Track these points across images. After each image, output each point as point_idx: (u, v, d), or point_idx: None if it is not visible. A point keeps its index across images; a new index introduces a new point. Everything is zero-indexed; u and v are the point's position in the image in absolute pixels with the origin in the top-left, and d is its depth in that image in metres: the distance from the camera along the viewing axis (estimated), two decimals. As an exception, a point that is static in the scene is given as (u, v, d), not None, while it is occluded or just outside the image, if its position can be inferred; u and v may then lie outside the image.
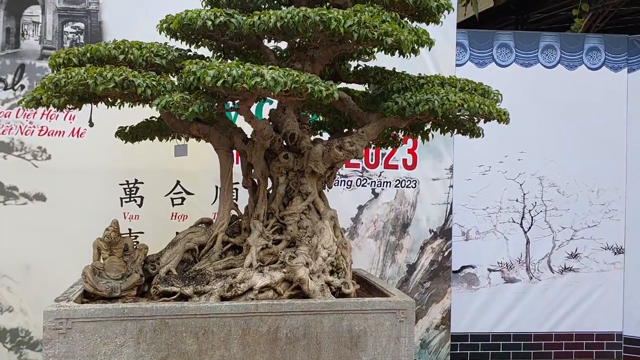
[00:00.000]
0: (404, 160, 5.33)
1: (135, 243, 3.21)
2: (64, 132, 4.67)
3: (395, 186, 5.32)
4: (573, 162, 5.54)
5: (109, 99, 2.98)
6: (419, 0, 2.64)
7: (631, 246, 5.52)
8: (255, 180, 3.22)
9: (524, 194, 5.59)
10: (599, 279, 5.55)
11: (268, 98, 4.93)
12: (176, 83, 2.67)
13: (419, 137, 3.56)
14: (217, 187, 4.94)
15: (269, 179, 3.21)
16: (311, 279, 2.86)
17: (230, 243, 3.16)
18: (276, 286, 2.79)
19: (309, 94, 2.29)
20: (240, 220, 3.23)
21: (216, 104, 2.67)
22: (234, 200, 3.26)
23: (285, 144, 3.12)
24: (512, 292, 5.58)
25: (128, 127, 3.40)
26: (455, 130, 3.35)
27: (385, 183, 5.30)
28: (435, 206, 5.43)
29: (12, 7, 4.63)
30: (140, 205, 4.78)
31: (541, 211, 5.59)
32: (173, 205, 4.74)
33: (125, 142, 3.44)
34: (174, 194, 4.74)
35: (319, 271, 2.92)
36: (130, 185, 4.78)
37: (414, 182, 5.34)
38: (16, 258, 4.48)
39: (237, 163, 3.36)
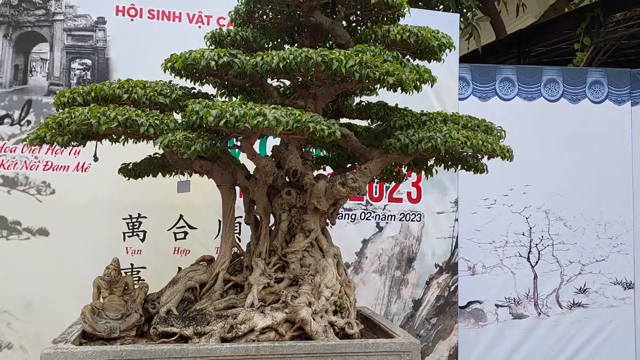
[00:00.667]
0: (409, 194, 5.30)
1: (136, 281, 3.16)
2: (68, 166, 4.67)
3: (400, 220, 5.27)
4: (579, 196, 5.48)
5: (113, 136, 2.99)
6: (421, 40, 2.65)
7: (642, 281, 5.41)
8: (258, 216, 3.18)
9: (530, 228, 5.52)
10: (610, 314, 5.42)
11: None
12: (179, 121, 2.67)
13: (423, 172, 3.53)
14: (219, 222, 4.89)
15: (271, 215, 3.18)
16: (314, 319, 2.80)
17: (231, 281, 3.11)
18: (278, 327, 2.73)
19: (311, 132, 2.28)
20: (242, 257, 3.19)
21: (219, 142, 2.66)
22: (237, 237, 3.22)
23: (287, 180, 3.10)
24: (521, 329, 5.46)
25: (131, 164, 3.39)
26: (459, 166, 3.33)
27: (390, 216, 5.26)
28: (441, 240, 5.37)
29: (21, 44, 4.70)
30: (142, 240, 4.75)
31: (548, 245, 5.52)
32: (176, 239, 4.79)
33: (128, 179, 3.43)
34: (177, 228, 4.76)
35: (322, 311, 2.86)
36: (134, 220, 4.76)
37: (419, 215, 5.30)
38: (17, 294, 4.43)
39: (240, 197, 3.34)
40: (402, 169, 3.58)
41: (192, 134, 2.52)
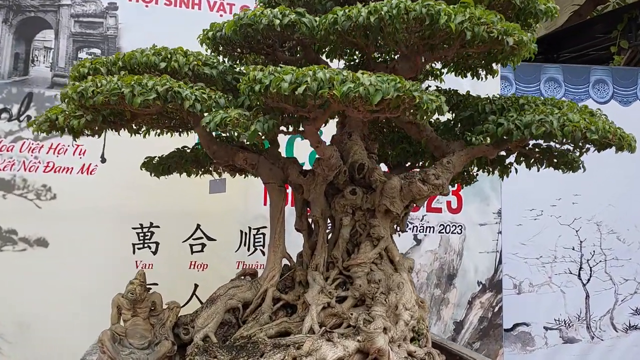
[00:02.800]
0: (448, 203, 4.75)
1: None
2: (72, 168, 4.07)
3: (440, 232, 4.72)
4: (633, 206, 4.97)
5: (140, 121, 2.40)
6: (528, 1, 2.11)
7: (703, 301, 4.88)
8: (312, 221, 2.59)
9: (581, 242, 4.99)
10: (670, 338, 4.87)
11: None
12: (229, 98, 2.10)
13: (498, 172, 2.98)
14: (242, 232, 4.34)
15: (328, 220, 2.59)
16: (391, 349, 2.20)
17: (281, 300, 2.50)
18: (350, 359, 2.12)
19: (415, 105, 1.71)
20: (293, 271, 2.59)
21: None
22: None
23: (350, 176, 2.52)
24: (572, 355, 4.91)
25: (157, 158, 2.79)
26: (545, 163, 2.78)
27: (429, 228, 4.70)
28: (484, 255, 4.84)
29: (22, 31, 4.11)
30: (155, 253, 4.16)
31: (600, 261, 4.98)
32: (192, 252, 4.27)
33: (153, 175, 2.83)
34: (193, 239, 4.21)
35: (400, 339, 2.27)
36: (145, 230, 4.17)
37: (460, 227, 4.76)
38: (11, 313, 3.77)
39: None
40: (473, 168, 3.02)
41: (248, 112, 1.94)
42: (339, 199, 2.49)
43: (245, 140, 1.91)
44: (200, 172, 2.88)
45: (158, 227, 4.17)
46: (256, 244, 4.42)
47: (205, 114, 1.97)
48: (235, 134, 1.88)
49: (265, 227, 4.40)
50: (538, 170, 2.90)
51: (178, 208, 4.20)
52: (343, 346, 2.13)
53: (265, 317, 2.41)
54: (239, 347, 2.16)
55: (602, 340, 4.87)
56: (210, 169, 2.84)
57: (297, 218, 2.62)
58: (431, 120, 2.71)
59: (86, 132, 2.44)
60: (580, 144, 2.29)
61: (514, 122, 2.18)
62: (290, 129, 2.25)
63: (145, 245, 4.18)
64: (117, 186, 3.95)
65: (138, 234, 4.15)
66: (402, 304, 2.31)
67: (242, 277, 2.58)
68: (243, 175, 3.06)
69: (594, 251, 4.96)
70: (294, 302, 2.51)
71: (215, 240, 4.25)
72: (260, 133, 1.88)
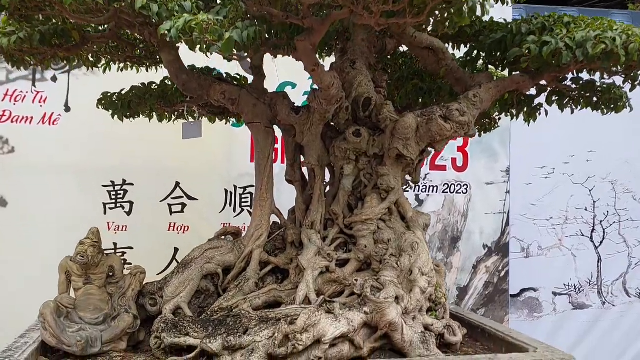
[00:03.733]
0: (453, 160, 4.29)
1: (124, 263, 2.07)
2: (32, 118, 3.56)
3: (444, 192, 4.27)
4: (650, 164, 4.54)
5: (96, 50, 1.89)
6: None
7: None
8: (307, 170, 2.12)
9: (594, 202, 4.57)
10: (685, 304, 4.53)
11: (292, 81, 3.90)
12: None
13: (524, 116, 2.51)
14: (226, 191, 3.87)
15: (326, 169, 2.12)
16: (405, 322, 1.77)
17: (270, 264, 2.05)
18: (355, 335, 1.69)
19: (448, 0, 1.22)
20: (284, 230, 2.13)
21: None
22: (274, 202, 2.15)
23: (353, 115, 2.04)
24: (582, 321, 4.53)
25: (115, 95, 2.28)
26: (583, 102, 2.31)
27: (432, 188, 4.24)
28: (490, 216, 4.42)
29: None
30: (129, 213, 3.70)
31: (614, 222, 4.57)
32: (171, 213, 3.79)
33: (112, 115, 2.33)
34: (172, 199, 3.81)
35: (416, 310, 1.83)
36: (117, 188, 3.69)
37: (465, 186, 4.31)
38: (-38, 282, 3.32)
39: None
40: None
41: (224, 18, 1.44)
42: (339, 142, 2.01)
43: (220, 53, 1.40)
44: (171, 115, 2.38)
45: (132, 184, 3.71)
46: (243, 205, 3.96)
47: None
48: (205, 45, 1.38)
49: (252, 185, 3.93)
50: (572, 112, 2.44)
51: (154, 164, 3.73)
52: (347, 319, 1.69)
53: (250, 284, 1.96)
54: (218, 322, 1.71)
55: (613, 305, 4.52)
56: (183, 109, 2.34)
57: (288, 166, 2.15)
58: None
59: (29, 60, 1.93)
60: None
61: (562, 39, 1.70)
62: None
63: (118, 204, 3.72)
64: (83, 138, 3.46)
65: (109, 192, 3.69)
66: (418, 268, 1.86)
67: (223, 237, 2.12)
68: (224, 121, 2.57)
69: (607, 212, 4.54)
70: (285, 267, 2.07)
71: (196, 199, 3.80)
72: (238, 43, 1.38)
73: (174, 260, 3.77)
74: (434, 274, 1.92)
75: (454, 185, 4.33)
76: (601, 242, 4.58)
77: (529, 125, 2.61)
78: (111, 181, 3.63)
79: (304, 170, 2.14)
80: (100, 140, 3.51)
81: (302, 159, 2.10)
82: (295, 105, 2.04)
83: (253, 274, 1.98)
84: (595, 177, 4.60)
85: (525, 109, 2.50)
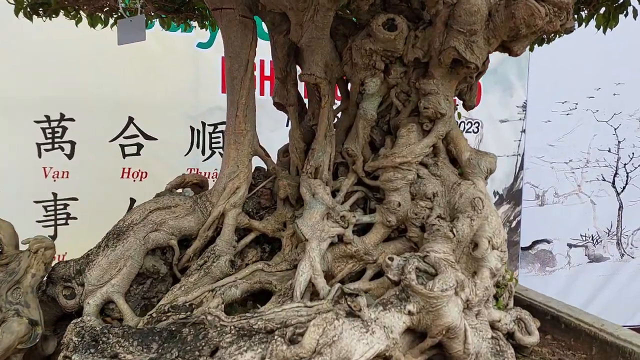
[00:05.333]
0: (463, 93, 3.57)
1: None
2: None
3: (451, 130, 3.57)
4: (684, 98, 3.92)
5: None
6: None
7: None
8: (306, 88, 1.36)
9: (619, 142, 3.96)
10: None
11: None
12: None
13: (597, 20, 1.79)
14: (192, 129, 3.14)
15: (337, 85, 1.36)
16: (467, 322, 1.09)
17: (251, 231, 1.32)
18: (394, 350, 1.00)
19: None
20: (272, 179, 1.38)
21: None
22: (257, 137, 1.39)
23: None
24: (598, 275, 4.04)
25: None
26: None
27: (438, 125, 3.53)
28: (503, 159, 3.82)
29: None
30: (70, 156, 3.03)
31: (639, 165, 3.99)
32: (124, 156, 3.06)
33: (16, 12, 1.50)
34: (125, 138, 3.08)
35: (482, 302, 1.15)
36: (53, 124, 2.92)
37: (476, 124, 3.68)
38: None
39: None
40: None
41: None
42: (360, 41, 1.25)
43: None
44: (108, 16, 1.55)
45: (72, 120, 2.98)
46: (214, 146, 3.22)
47: None
48: None
49: (224, 122, 3.16)
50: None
51: (100, 94, 3.00)
52: (383, 328, 1.00)
53: (221, 263, 1.24)
54: (168, 335, 0.99)
55: (632, 257, 4.02)
56: (115, 2, 1.51)
57: (277, 82, 1.38)
58: None
59: None
60: None
61: None
62: None
63: (56, 145, 2.94)
64: (9, 64, 2.70)
65: (44, 129, 2.93)
66: (486, 239, 1.17)
67: (179, 191, 1.37)
68: (176, 23, 1.76)
69: (632, 153, 3.95)
70: (274, 234, 1.34)
71: (155, 139, 3.10)
72: None
73: (130, 215, 3.04)
74: (505, 245, 1.23)
75: (464, 123, 3.66)
76: (624, 188, 4.01)
77: (605, 32, 1.89)
78: (45, 116, 2.89)
79: (302, 87, 1.37)
80: (30, 65, 2.73)
81: (300, 69, 1.33)
82: (289, -20, 1.25)
83: (226, 247, 1.26)
84: (622, 114, 3.96)
85: (604, 9, 1.77)
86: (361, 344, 0.96)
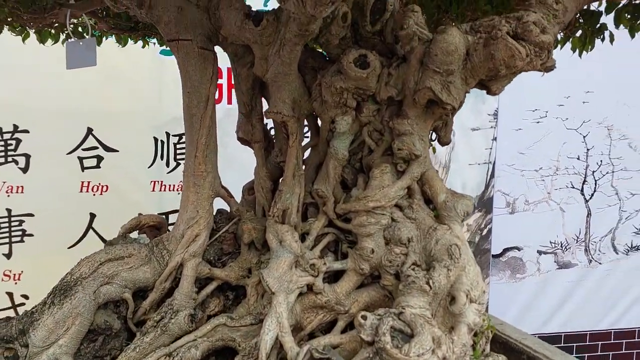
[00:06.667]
0: (435, 101, 3.52)
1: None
2: None
3: (423, 139, 3.51)
4: (649, 106, 3.97)
5: None
6: None
7: None
8: (273, 124, 1.26)
9: (588, 150, 3.98)
10: (673, 260, 4.14)
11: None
12: None
13: (573, 43, 1.75)
14: (156, 139, 3.01)
15: (305, 122, 1.27)
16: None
17: (213, 280, 1.22)
18: None
19: None
20: (236, 221, 1.28)
21: None
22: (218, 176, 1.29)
23: (353, 31, 1.18)
24: (567, 281, 4.08)
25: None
26: None
27: (410, 134, 3.48)
28: (474, 167, 3.82)
29: None
30: (25, 170, 2.81)
31: (607, 172, 4.03)
32: (83, 169, 2.94)
33: None
34: (84, 150, 2.95)
35: (460, 359, 1.09)
36: (6, 136, 2.77)
37: (448, 132, 3.58)
38: None
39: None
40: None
41: None
42: (330, 77, 1.16)
43: None
44: (58, 32, 1.42)
45: (27, 131, 2.80)
46: (179, 157, 3.10)
47: None
48: None
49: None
50: (632, 37, 1.70)
51: (57, 103, 2.84)
52: (356, 401, 0.92)
53: (180, 319, 1.14)
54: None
55: (600, 264, 4.06)
56: (63, 20, 1.37)
57: (241, 117, 1.28)
58: None
59: None
60: None
61: None
62: None
63: (9, 158, 2.79)
64: None
65: None
66: (464, 292, 1.10)
67: (132, 237, 1.26)
68: (133, 40, 1.64)
69: (601, 161, 3.98)
70: (238, 282, 1.25)
71: (116, 151, 2.98)
72: None
73: (90, 229, 2.91)
74: (485, 297, 1.17)
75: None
76: (592, 195, 4.04)
77: (580, 56, 1.86)
78: (-2, 127, 2.72)
79: (270, 124, 1.28)
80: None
81: (267, 103, 1.23)
82: (253, 10, 1.14)
83: (185, 300, 1.16)
84: (591, 122, 3.99)
85: (581, 32, 1.74)
86: None
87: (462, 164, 3.71)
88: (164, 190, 3.09)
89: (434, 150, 1.42)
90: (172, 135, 3.05)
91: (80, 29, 1.42)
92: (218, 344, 1.15)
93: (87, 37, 1.38)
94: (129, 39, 1.75)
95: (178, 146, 3.08)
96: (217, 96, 1.37)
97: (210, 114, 1.17)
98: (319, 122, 1.26)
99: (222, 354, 1.17)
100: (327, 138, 1.23)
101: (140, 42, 1.80)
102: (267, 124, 1.30)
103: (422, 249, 1.19)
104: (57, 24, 1.47)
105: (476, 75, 1.10)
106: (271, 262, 1.15)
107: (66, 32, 1.48)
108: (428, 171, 1.22)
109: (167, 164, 3.06)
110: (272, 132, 1.33)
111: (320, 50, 1.25)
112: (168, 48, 2.05)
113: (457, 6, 1.49)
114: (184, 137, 3.04)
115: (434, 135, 1.38)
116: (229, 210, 1.31)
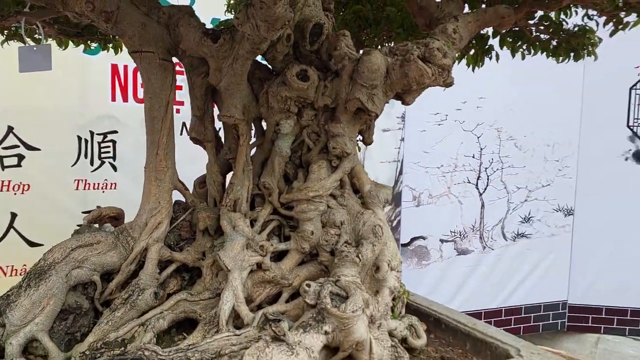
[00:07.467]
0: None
1: None
2: None
3: (340, 138, 3.83)
4: (531, 112, 4.60)
5: None
6: None
7: (581, 206, 4.84)
8: (223, 127, 1.47)
9: (481, 149, 4.53)
10: (550, 245, 4.81)
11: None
12: None
13: (467, 60, 2.11)
14: (80, 138, 3.04)
15: (253, 126, 1.49)
16: (373, 336, 1.30)
17: (174, 262, 1.41)
18: (314, 367, 1.18)
19: None
20: (191, 211, 1.47)
21: None
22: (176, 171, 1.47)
23: (294, 49, 1.42)
24: (465, 266, 4.59)
25: None
26: (539, 46, 1.97)
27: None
28: (385, 165, 4.19)
29: None
30: None
31: (497, 169, 4.61)
32: (3, 168, 2.96)
33: None
34: (5, 149, 2.98)
35: (383, 316, 1.37)
36: None
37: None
38: None
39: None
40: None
41: None
42: (276, 87, 1.39)
43: None
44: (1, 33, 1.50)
45: None
46: (103, 156, 3.13)
47: None
48: None
49: (115, 131, 3.12)
50: (523, 58, 2.09)
51: None
52: (306, 350, 1.16)
53: (146, 296, 1.31)
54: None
55: (492, 249, 4.62)
56: (18, 26, 1.47)
57: (194, 119, 1.46)
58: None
59: None
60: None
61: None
62: None
63: None
64: None
65: None
66: (386, 262, 1.38)
67: (97, 226, 1.40)
68: (80, 45, 1.75)
69: (492, 159, 4.55)
70: (194, 264, 1.44)
71: (38, 149, 2.95)
72: None
73: (11, 229, 2.88)
74: (402, 266, 1.46)
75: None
76: (485, 189, 4.60)
77: (473, 71, 2.23)
78: None
79: (221, 126, 1.48)
80: None
81: (217, 108, 1.44)
82: (210, 28, 1.34)
83: (150, 280, 1.33)
84: (484, 124, 4.54)
85: (473, 51, 2.10)
86: (288, 366, 1.11)
87: (375, 161, 4.06)
88: (88, 189, 3.10)
89: (359, 148, 1.69)
90: (97, 134, 3.08)
91: (34, 35, 1.50)
92: (181, 316, 1.33)
93: (43, 42, 1.47)
94: (71, 42, 1.84)
95: (102, 145, 3.11)
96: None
97: (170, 117, 1.35)
98: (264, 124, 1.49)
99: (183, 325, 1.35)
100: (272, 138, 1.46)
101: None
102: (221, 125, 1.50)
103: (352, 230, 1.46)
104: (6, 31, 1.54)
105: (394, 89, 1.38)
106: (226, 244, 1.36)
107: (20, 39, 1.55)
108: (356, 166, 1.50)
109: (92, 163, 3.08)
110: (221, 132, 1.53)
111: (266, 64, 1.47)
112: (102, 48, 2.15)
113: (375, 27, 1.78)
114: (109, 135, 3.10)
115: (359, 137, 1.65)
116: (184, 201, 1.49)
